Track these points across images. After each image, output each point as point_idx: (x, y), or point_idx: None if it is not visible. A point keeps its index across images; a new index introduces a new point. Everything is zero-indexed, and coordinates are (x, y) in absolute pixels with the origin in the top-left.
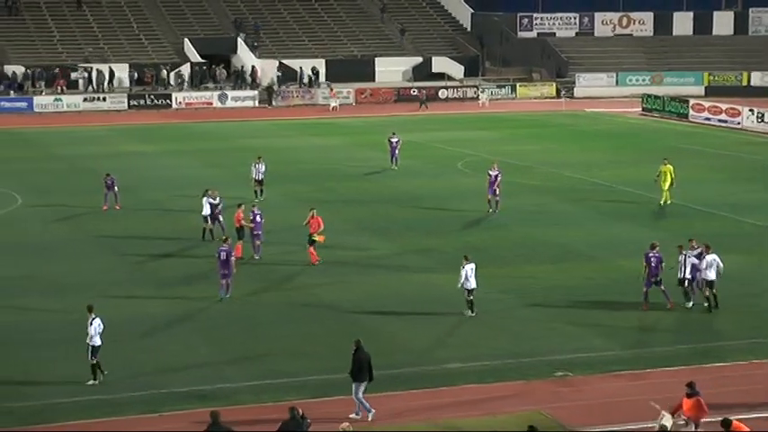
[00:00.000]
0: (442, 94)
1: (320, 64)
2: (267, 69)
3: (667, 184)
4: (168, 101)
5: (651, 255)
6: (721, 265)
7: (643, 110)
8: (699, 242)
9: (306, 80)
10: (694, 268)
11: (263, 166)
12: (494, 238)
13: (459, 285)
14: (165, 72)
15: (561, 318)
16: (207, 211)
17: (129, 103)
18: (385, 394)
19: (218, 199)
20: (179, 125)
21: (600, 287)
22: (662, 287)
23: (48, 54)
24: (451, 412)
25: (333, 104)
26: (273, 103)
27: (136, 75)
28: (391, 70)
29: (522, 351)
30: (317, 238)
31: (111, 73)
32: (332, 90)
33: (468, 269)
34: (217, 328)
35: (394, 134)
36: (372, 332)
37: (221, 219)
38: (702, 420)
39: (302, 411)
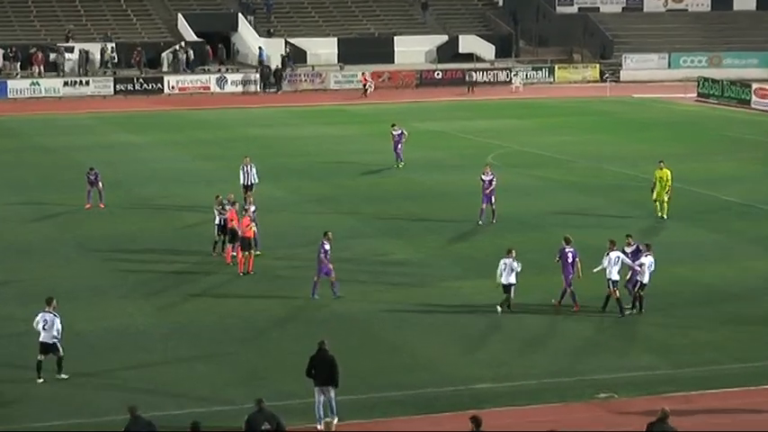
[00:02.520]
0: (470, 77)
1: (332, 44)
2: (271, 50)
3: (665, 192)
4: (160, 85)
5: (567, 250)
6: (654, 269)
7: (699, 95)
8: (635, 240)
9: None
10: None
11: (254, 169)
12: (528, 241)
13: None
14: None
15: (603, 332)
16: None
17: (115, 87)
18: (407, 418)
19: (253, 206)
20: (172, 112)
21: (647, 297)
22: (571, 288)
23: (24, 32)
24: None
25: (369, 89)
26: (267, 88)
27: (123, 55)
28: (413, 50)
29: (560, 369)
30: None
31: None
32: (363, 74)
33: (506, 263)
34: (216, 344)
35: (395, 126)
36: (392, 347)
37: (256, 229)
38: None
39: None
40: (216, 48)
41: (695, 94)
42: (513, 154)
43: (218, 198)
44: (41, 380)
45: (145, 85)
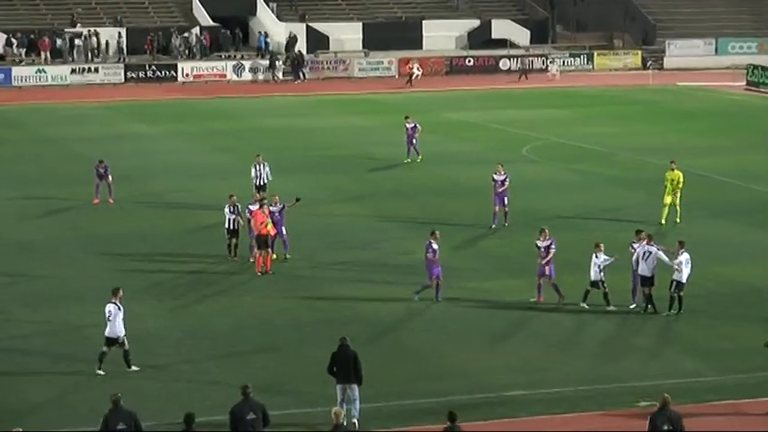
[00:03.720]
0: (504, 64)
1: (356, 28)
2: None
3: (674, 196)
4: (173, 72)
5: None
6: (690, 269)
7: (748, 84)
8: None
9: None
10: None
11: (267, 168)
12: (566, 240)
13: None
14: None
15: (643, 335)
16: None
17: (125, 75)
18: (432, 427)
19: (280, 205)
20: (186, 102)
21: (691, 298)
22: (542, 280)
23: (29, 16)
24: None
25: (416, 73)
26: (277, 76)
27: (134, 41)
28: (442, 36)
29: (598, 376)
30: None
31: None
32: (409, 62)
33: (594, 258)
34: (232, 348)
35: (408, 118)
36: (419, 351)
37: (284, 231)
38: None
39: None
40: (215, 36)
41: (744, 83)
42: (549, 146)
43: (233, 198)
44: (101, 372)
45: (157, 72)
